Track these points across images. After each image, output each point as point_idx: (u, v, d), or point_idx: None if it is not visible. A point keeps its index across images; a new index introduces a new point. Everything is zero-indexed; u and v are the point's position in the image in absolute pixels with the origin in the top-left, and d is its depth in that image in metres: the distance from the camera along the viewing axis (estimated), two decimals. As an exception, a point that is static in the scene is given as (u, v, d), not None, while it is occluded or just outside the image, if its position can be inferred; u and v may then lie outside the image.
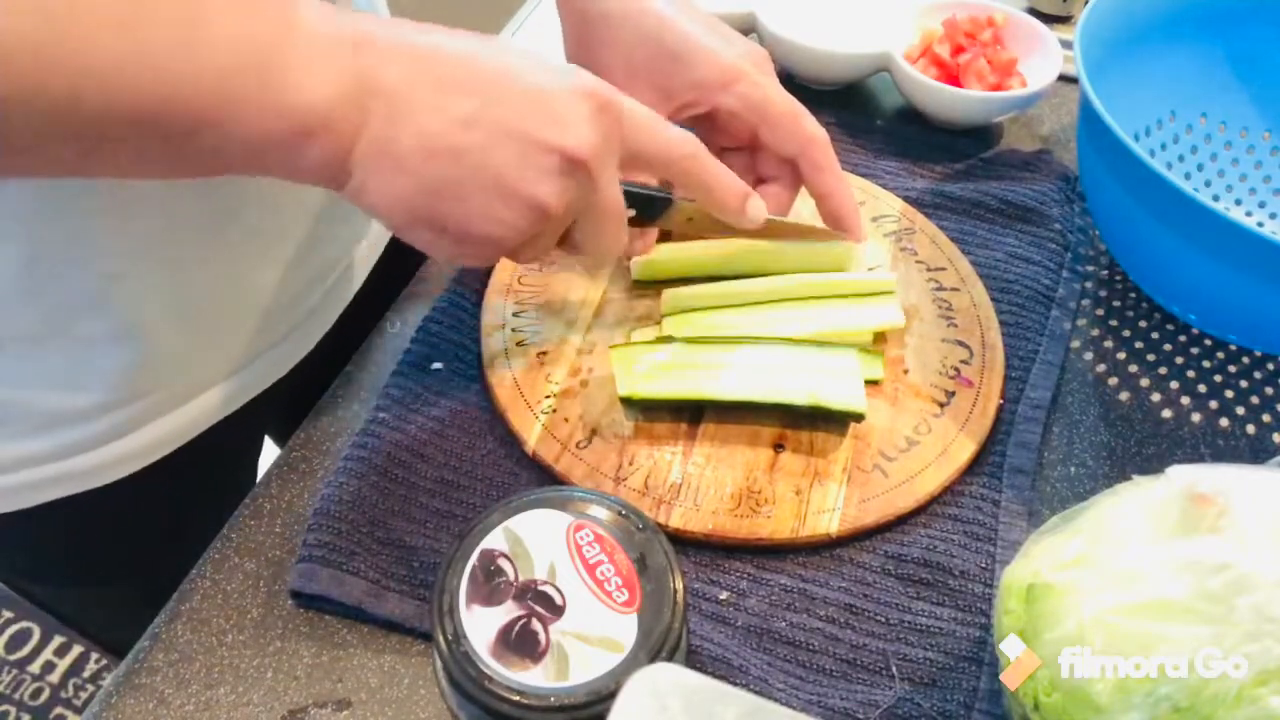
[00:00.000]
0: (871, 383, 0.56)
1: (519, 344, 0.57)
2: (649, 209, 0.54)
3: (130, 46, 0.35)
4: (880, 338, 0.58)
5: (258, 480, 0.55)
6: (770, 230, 0.57)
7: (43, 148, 0.36)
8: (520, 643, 0.38)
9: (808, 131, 0.56)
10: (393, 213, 0.43)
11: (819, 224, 0.59)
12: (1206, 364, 0.61)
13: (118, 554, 0.66)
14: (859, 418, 0.53)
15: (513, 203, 0.43)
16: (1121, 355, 0.62)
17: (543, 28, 0.98)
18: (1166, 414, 0.59)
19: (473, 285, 0.61)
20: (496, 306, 0.59)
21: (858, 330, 0.57)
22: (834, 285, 0.58)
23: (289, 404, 0.62)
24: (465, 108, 0.42)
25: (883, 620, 0.48)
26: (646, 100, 0.54)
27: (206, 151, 0.39)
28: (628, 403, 0.53)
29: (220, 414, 0.61)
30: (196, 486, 0.62)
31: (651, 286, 0.60)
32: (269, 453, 0.68)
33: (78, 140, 0.36)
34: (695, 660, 0.46)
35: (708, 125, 0.58)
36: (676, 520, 0.50)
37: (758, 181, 0.60)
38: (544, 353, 0.57)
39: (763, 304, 0.58)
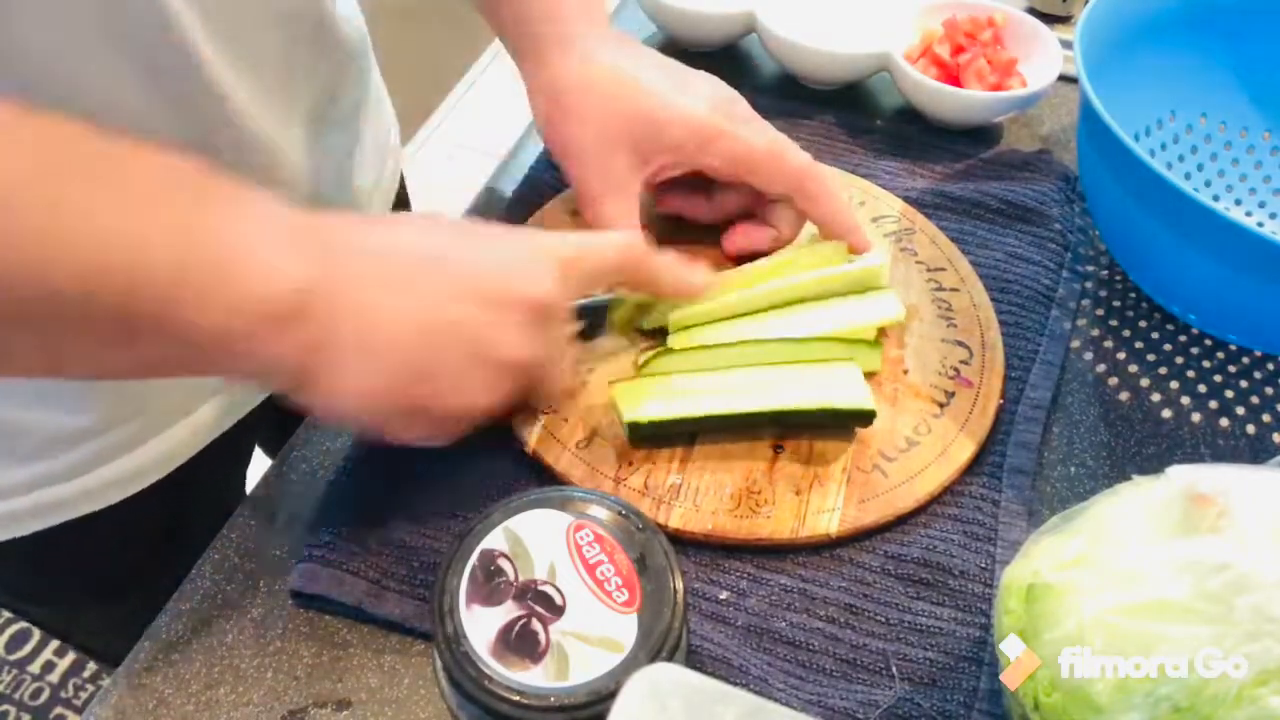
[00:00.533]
0: (870, 374, 0.56)
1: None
2: (596, 318, 0.55)
3: (96, 227, 0.34)
4: (880, 333, 0.58)
5: (254, 484, 0.54)
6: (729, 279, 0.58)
7: None
8: (520, 643, 0.38)
9: (793, 167, 0.57)
10: (366, 405, 0.42)
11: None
12: (1206, 364, 0.61)
13: (111, 574, 0.65)
14: (870, 416, 0.52)
15: (490, 367, 0.44)
16: (1121, 355, 0.62)
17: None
18: (1166, 414, 0.59)
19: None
20: None
21: (859, 327, 0.57)
22: (827, 281, 0.58)
23: (279, 413, 0.62)
24: (427, 286, 0.42)
25: (883, 620, 0.48)
26: (624, 165, 0.56)
27: (166, 341, 0.37)
28: (634, 430, 0.52)
29: (210, 435, 0.61)
30: (187, 502, 0.62)
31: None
32: (258, 464, 0.68)
33: (23, 326, 0.35)
34: (695, 660, 0.46)
35: (696, 173, 0.58)
36: (676, 520, 0.50)
37: (762, 204, 0.60)
38: (544, 353, 0.57)
39: (763, 311, 0.58)
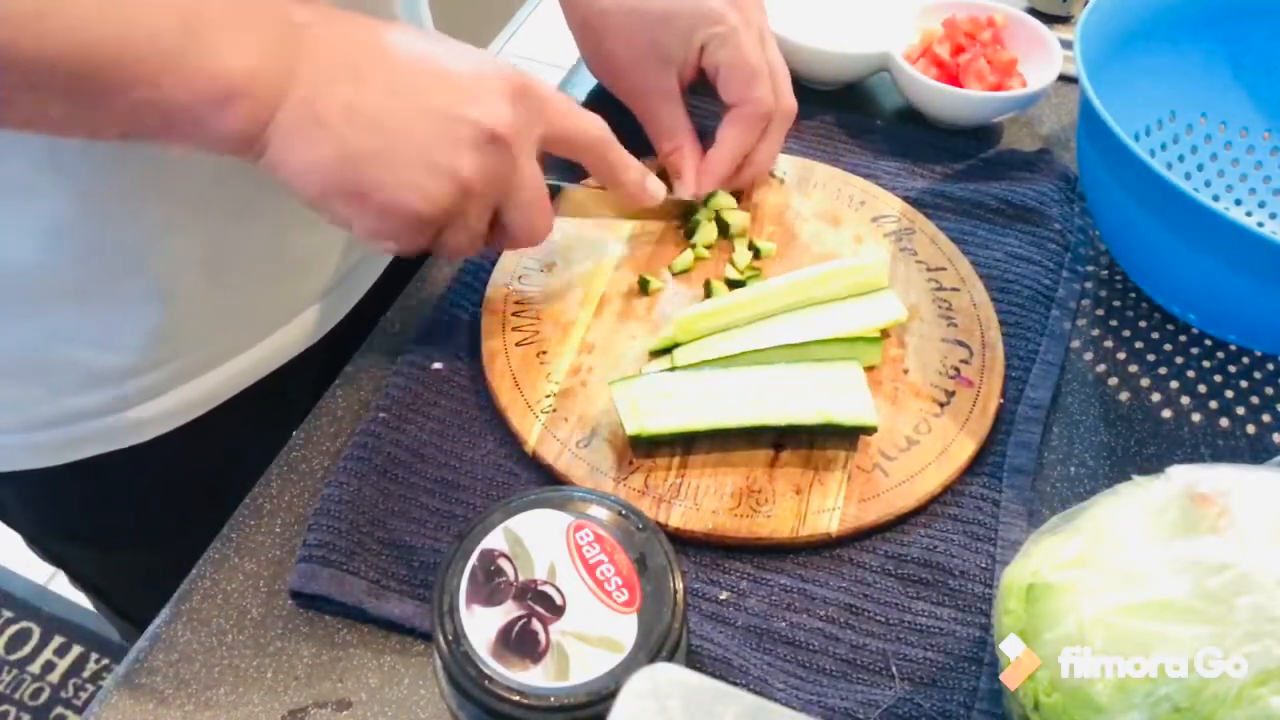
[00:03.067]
0: (870, 368, 0.56)
1: (519, 344, 0.57)
2: None
3: (59, 4, 0.37)
4: (882, 331, 0.58)
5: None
6: (660, 209, 0.61)
7: None
8: (520, 643, 0.38)
9: (751, 91, 0.60)
10: (310, 181, 0.45)
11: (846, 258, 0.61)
12: (1206, 364, 0.61)
13: (145, 518, 0.67)
14: (871, 430, 0.52)
15: (434, 173, 0.45)
16: (1121, 355, 0.62)
17: (543, 28, 0.97)
18: (1166, 414, 0.59)
19: (473, 285, 0.61)
20: (496, 306, 0.59)
21: (862, 330, 0.57)
22: (828, 277, 0.59)
23: (318, 384, 0.63)
24: (390, 83, 0.44)
25: (883, 620, 0.48)
26: (654, 69, 0.60)
27: (129, 110, 0.40)
28: (635, 440, 0.52)
29: (247, 381, 0.62)
30: (228, 457, 0.63)
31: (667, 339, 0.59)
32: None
33: (6, 90, 0.38)
34: (695, 660, 0.46)
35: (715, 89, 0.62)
36: (676, 520, 0.50)
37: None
38: (544, 352, 0.57)
39: (766, 316, 0.58)
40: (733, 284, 0.60)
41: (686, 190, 0.64)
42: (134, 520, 0.68)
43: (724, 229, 0.64)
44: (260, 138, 0.43)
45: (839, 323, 0.57)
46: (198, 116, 0.42)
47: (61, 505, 0.66)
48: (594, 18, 0.61)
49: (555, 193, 0.57)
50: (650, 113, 0.62)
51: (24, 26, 0.36)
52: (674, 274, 0.62)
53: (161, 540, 0.66)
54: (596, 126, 0.53)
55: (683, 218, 0.64)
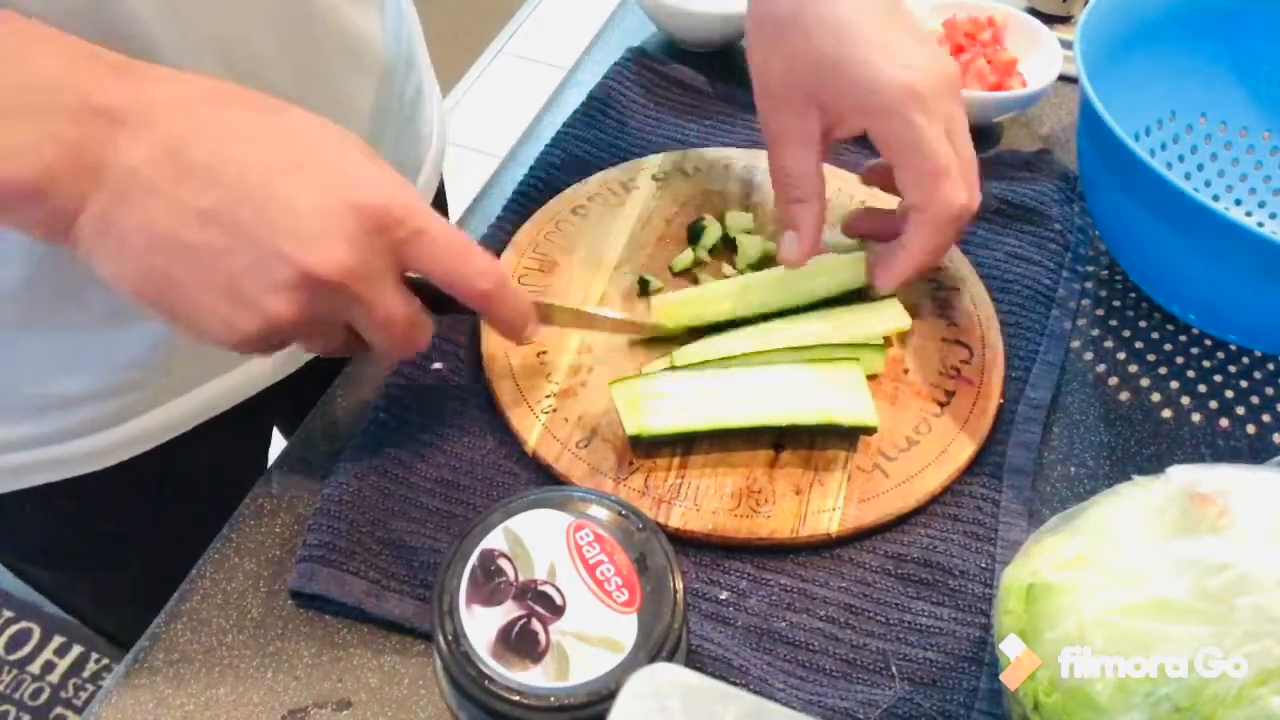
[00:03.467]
0: (872, 376, 0.56)
1: (519, 344, 0.57)
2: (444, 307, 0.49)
3: None
4: (886, 339, 0.58)
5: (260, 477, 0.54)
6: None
7: None
8: (520, 643, 0.38)
9: (935, 195, 0.51)
10: (121, 289, 0.41)
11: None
12: (1206, 364, 0.61)
13: (120, 541, 0.66)
14: (871, 430, 0.52)
15: (239, 308, 0.40)
16: (1121, 355, 0.62)
17: (543, 28, 0.97)
18: (1166, 414, 0.59)
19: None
20: None
21: (865, 337, 0.57)
22: (810, 273, 0.58)
23: (297, 396, 0.62)
24: (204, 201, 0.38)
25: (883, 620, 0.48)
26: (801, 112, 0.53)
27: None
28: (635, 440, 0.51)
29: (225, 404, 0.61)
30: (201, 478, 0.62)
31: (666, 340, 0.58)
32: (278, 445, 0.68)
33: None
34: (695, 660, 0.46)
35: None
36: (676, 520, 0.50)
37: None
38: (544, 352, 0.57)
39: (769, 318, 0.58)
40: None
41: (796, 250, 0.56)
42: (100, 543, 0.66)
43: (730, 241, 0.63)
44: (64, 239, 0.39)
45: (842, 329, 0.57)
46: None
47: (21, 530, 0.64)
48: (769, 25, 0.53)
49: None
50: (776, 152, 0.55)
51: None
52: (674, 273, 0.62)
53: (131, 561, 0.66)
54: (478, 277, 0.44)
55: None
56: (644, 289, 0.60)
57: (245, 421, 0.64)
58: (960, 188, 0.51)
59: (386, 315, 0.42)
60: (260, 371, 0.62)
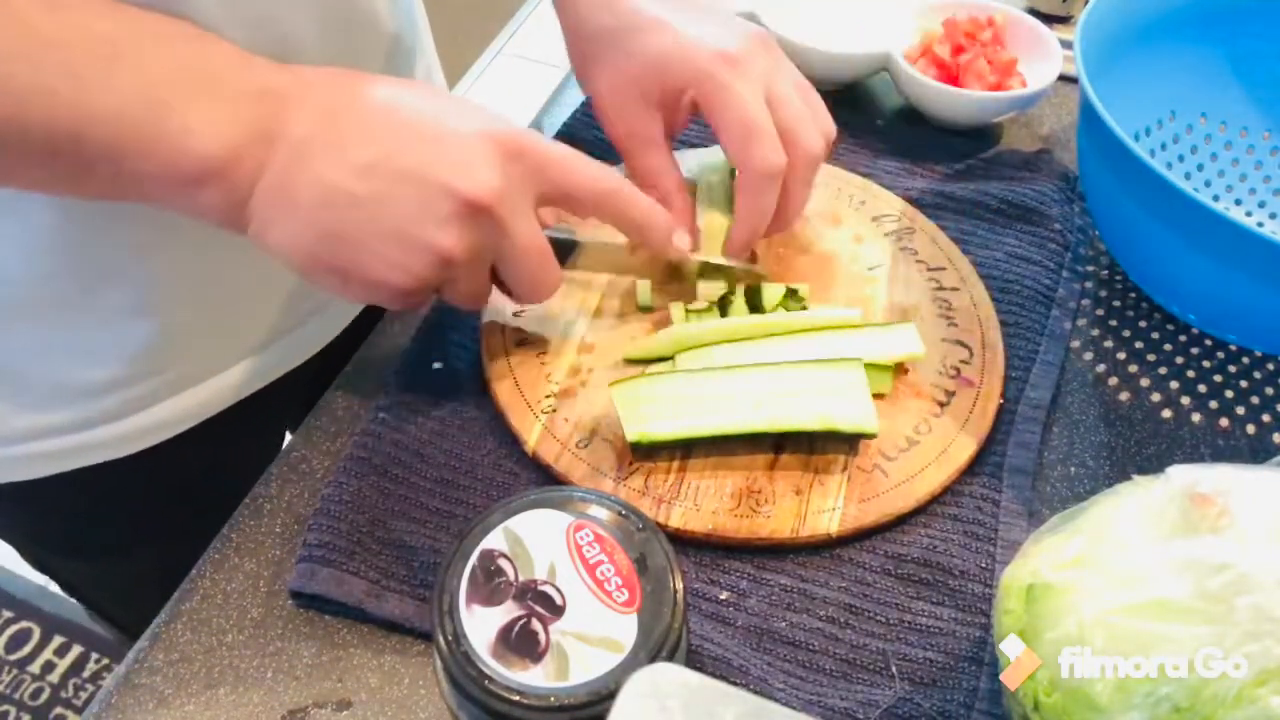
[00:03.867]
0: (878, 395, 0.55)
1: (519, 344, 0.57)
2: (556, 251, 0.52)
3: (42, 80, 0.38)
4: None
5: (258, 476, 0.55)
6: (686, 265, 0.58)
7: None
8: (520, 643, 0.38)
9: (749, 154, 0.53)
10: (293, 257, 0.44)
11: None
12: (1206, 364, 0.61)
13: (134, 528, 0.67)
14: (871, 436, 0.52)
15: (412, 250, 0.44)
16: (1121, 355, 0.62)
17: (543, 28, 0.97)
18: (1166, 414, 0.59)
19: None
20: (497, 306, 0.59)
21: (877, 358, 0.55)
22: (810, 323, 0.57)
23: (310, 392, 0.63)
24: (366, 156, 0.42)
25: (883, 620, 0.48)
26: (639, 112, 0.56)
27: (115, 182, 0.41)
28: (636, 445, 0.51)
29: (237, 396, 0.62)
30: (215, 467, 0.63)
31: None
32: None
33: None
34: (695, 660, 0.46)
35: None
36: (676, 520, 0.50)
37: None
38: (544, 353, 0.57)
39: (776, 335, 0.56)
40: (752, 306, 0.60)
41: (687, 241, 0.57)
42: (116, 532, 0.67)
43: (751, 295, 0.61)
44: (240, 215, 0.43)
45: (853, 349, 0.55)
46: (174, 194, 0.42)
47: (43, 517, 0.66)
48: (583, 44, 0.57)
49: (571, 248, 0.56)
50: (634, 158, 0.58)
51: (11, 104, 0.37)
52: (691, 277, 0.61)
53: (146, 551, 0.66)
54: (604, 179, 0.49)
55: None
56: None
57: (259, 417, 0.65)
58: (772, 148, 0.53)
59: (526, 243, 0.47)
60: (272, 362, 0.62)
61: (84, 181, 0.42)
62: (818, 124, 0.56)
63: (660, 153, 0.57)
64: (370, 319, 0.64)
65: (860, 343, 0.56)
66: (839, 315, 0.58)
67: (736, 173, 0.55)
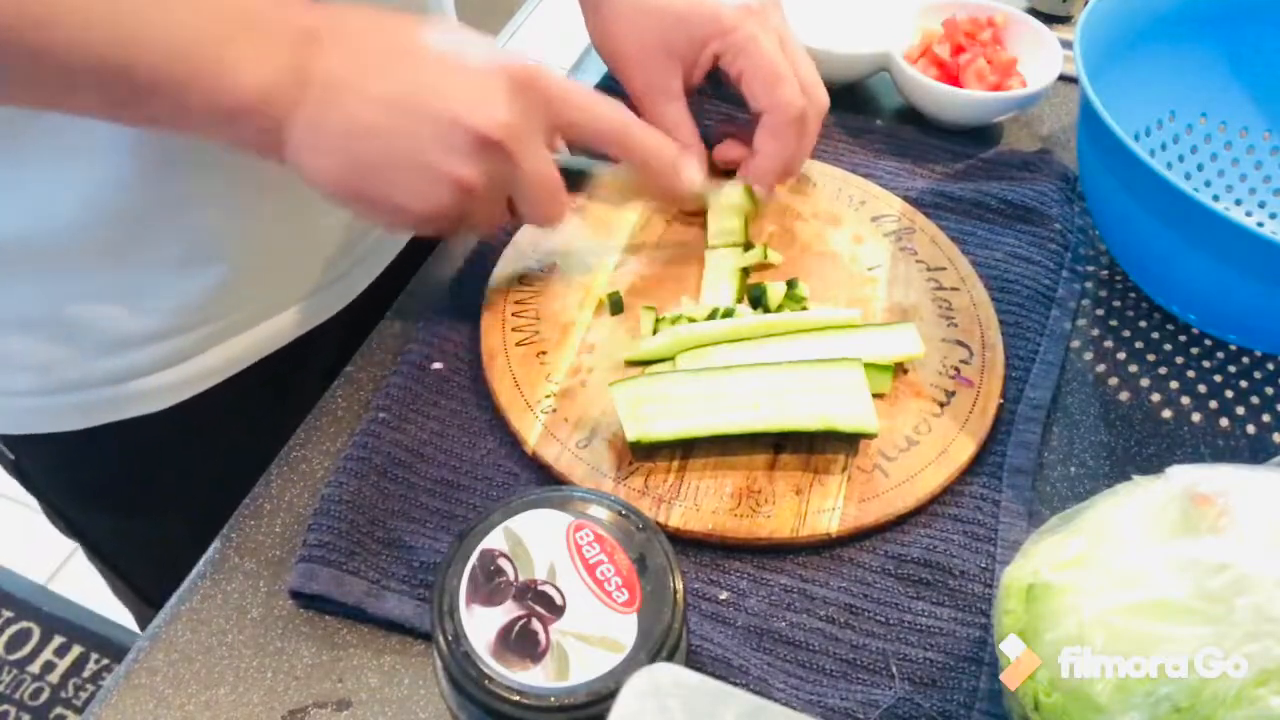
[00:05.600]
0: (877, 395, 0.55)
1: (519, 344, 0.57)
2: (570, 181, 0.55)
3: (98, 13, 0.40)
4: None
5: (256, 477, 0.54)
6: (700, 197, 0.61)
7: (15, 84, 0.42)
8: (520, 643, 0.38)
9: (776, 96, 0.58)
10: (326, 186, 0.48)
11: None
12: (1206, 364, 0.61)
13: (169, 485, 0.68)
14: (871, 436, 0.52)
15: (433, 179, 0.47)
16: (1121, 355, 0.62)
17: (543, 27, 0.97)
18: (1166, 414, 0.59)
19: (474, 285, 0.61)
20: (497, 306, 0.59)
21: (876, 358, 0.55)
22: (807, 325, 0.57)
23: (345, 341, 0.64)
24: (389, 91, 0.46)
25: (883, 620, 0.48)
26: (662, 66, 0.60)
27: (160, 112, 0.44)
28: (636, 445, 0.51)
29: (279, 343, 0.63)
30: (250, 425, 0.63)
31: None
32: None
33: (43, 84, 0.42)
34: (695, 660, 0.46)
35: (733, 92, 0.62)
36: (676, 520, 0.50)
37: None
38: (544, 352, 0.57)
39: (776, 335, 0.56)
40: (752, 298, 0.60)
41: (690, 178, 0.61)
42: (151, 488, 0.68)
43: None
44: (278, 145, 0.46)
45: (853, 349, 0.55)
46: (214, 125, 0.45)
47: (82, 470, 0.67)
48: (603, 7, 0.61)
49: (584, 179, 0.57)
50: (653, 111, 0.62)
51: (38, 29, 0.39)
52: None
53: (177, 511, 0.68)
54: (612, 112, 0.52)
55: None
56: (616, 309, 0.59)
57: (295, 371, 0.66)
58: (795, 92, 0.59)
59: (536, 174, 0.50)
60: (316, 308, 0.64)
61: (131, 108, 0.44)
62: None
63: (679, 105, 0.61)
64: (394, 279, 0.66)
65: (860, 343, 0.56)
66: (839, 315, 0.58)
67: (760, 117, 0.60)
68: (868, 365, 0.54)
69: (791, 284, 0.60)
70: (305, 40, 0.45)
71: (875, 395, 0.55)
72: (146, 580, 0.81)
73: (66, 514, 0.74)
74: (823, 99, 0.61)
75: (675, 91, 0.61)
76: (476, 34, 0.49)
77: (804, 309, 0.60)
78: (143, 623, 0.88)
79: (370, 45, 0.46)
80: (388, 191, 0.47)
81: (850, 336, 0.56)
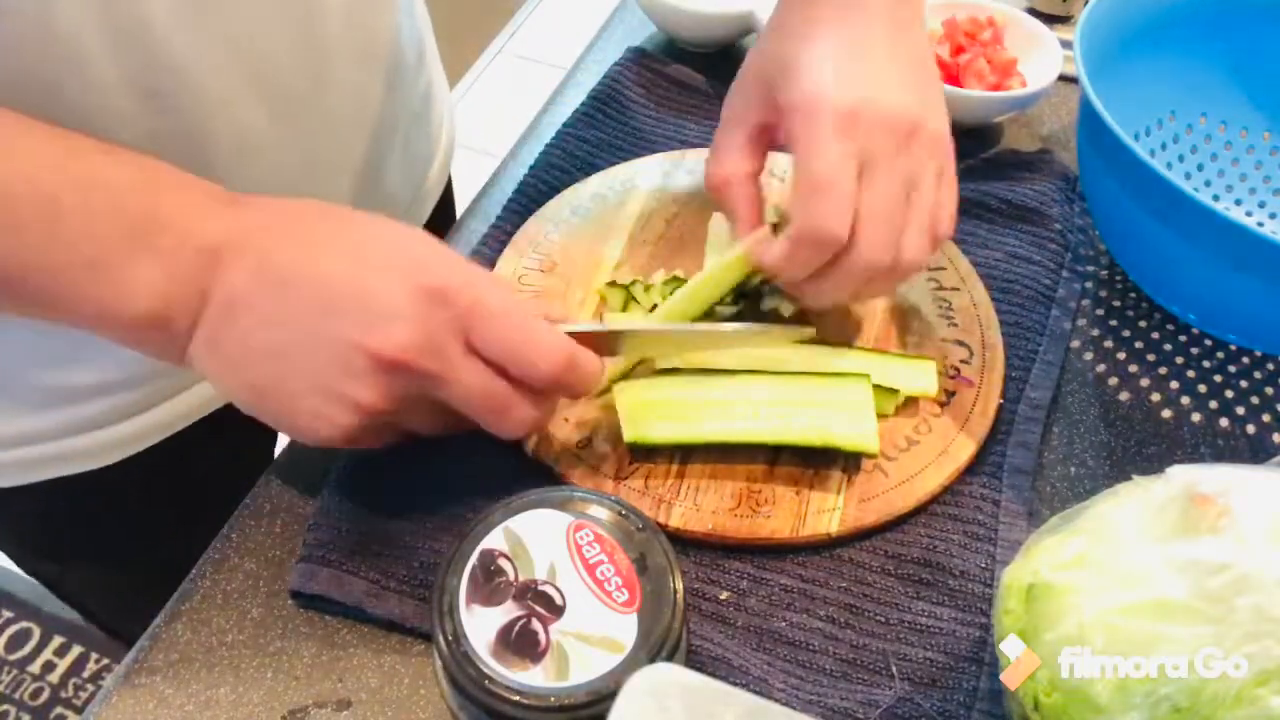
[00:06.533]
0: (881, 416, 0.54)
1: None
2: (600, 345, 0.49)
3: None
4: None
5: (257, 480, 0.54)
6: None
7: None
8: (520, 643, 0.38)
9: (806, 209, 0.48)
10: (234, 401, 0.46)
11: None
12: (1206, 364, 0.61)
13: (126, 534, 0.66)
14: (871, 457, 0.52)
15: (333, 401, 0.43)
16: (1121, 355, 0.62)
17: (543, 27, 0.97)
18: (1166, 414, 0.59)
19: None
20: None
21: (887, 384, 0.55)
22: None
23: None
24: (287, 313, 0.43)
25: (883, 620, 0.48)
26: (747, 100, 0.54)
27: (59, 319, 0.44)
28: (634, 446, 0.51)
29: (223, 400, 0.61)
30: (211, 477, 0.62)
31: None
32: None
33: None
34: (695, 660, 0.46)
35: None
36: (676, 520, 0.50)
37: None
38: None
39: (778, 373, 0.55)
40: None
41: (766, 245, 0.52)
42: (107, 538, 0.67)
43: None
44: (181, 358, 0.45)
45: (864, 368, 0.54)
46: (115, 338, 0.44)
47: (33, 522, 0.65)
48: (768, 32, 0.54)
49: (609, 336, 0.51)
50: (717, 133, 0.56)
51: None
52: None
53: (140, 557, 0.66)
54: (548, 352, 0.44)
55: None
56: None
57: (249, 421, 0.64)
58: (835, 213, 0.47)
59: (464, 389, 0.44)
60: None
61: (29, 314, 0.44)
62: (935, 227, 0.51)
63: (741, 133, 0.54)
64: None
65: (873, 364, 0.55)
66: (852, 365, 0.56)
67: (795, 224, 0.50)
68: (876, 387, 0.53)
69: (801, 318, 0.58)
70: (206, 259, 0.43)
71: (878, 415, 0.53)
72: (112, 621, 0.80)
73: (21, 562, 0.73)
74: (912, 259, 0.50)
75: (745, 124, 0.54)
76: (405, 232, 0.46)
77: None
78: (111, 652, 0.87)
79: (273, 260, 0.43)
80: (290, 414, 0.44)
81: (864, 357, 0.56)
